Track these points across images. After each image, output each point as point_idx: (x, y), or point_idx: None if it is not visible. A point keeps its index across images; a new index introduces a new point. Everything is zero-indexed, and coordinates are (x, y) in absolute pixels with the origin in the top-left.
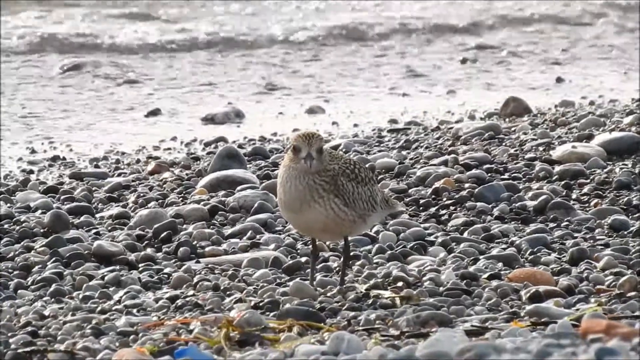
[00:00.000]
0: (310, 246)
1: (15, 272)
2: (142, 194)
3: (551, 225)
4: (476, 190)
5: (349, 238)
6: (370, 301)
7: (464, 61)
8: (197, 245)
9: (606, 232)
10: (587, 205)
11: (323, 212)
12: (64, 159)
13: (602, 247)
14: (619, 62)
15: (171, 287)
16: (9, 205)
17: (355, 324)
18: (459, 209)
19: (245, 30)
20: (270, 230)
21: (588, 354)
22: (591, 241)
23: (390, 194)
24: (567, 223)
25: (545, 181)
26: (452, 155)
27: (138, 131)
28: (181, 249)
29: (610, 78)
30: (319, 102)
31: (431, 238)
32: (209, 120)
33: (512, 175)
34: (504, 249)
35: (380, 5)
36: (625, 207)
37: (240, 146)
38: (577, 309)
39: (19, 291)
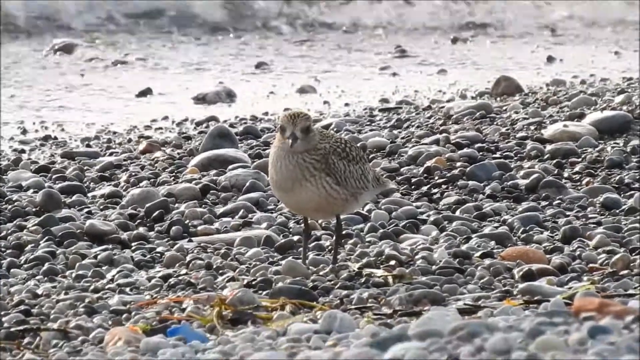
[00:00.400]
0: (303, 225)
1: (8, 251)
2: (133, 173)
3: (543, 203)
4: (468, 169)
5: (341, 216)
6: (362, 280)
7: (454, 40)
8: (190, 224)
9: (598, 210)
10: (579, 183)
11: (315, 191)
12: (56, 138)
13: (595, 225)
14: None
15: (164, 266)
16: (0, 184)
17: (348, 302)
18: (450, 187)
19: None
20: (262, 209)
21: (581, 332)
22: (583, 219)
23: (381, 172)
24: (559, 201)
25: (537, 160)
26: (444, 134)
27: (129, 111)
28: (173, 227)
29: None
30: (310, 82)
31: (423, 217)
32: (200, 100)
33: (504, 154)
34: (497, 227)
35: None
36: (617, 186)
37: (231, 125)
38: (570, 288)
39: (12, 270)
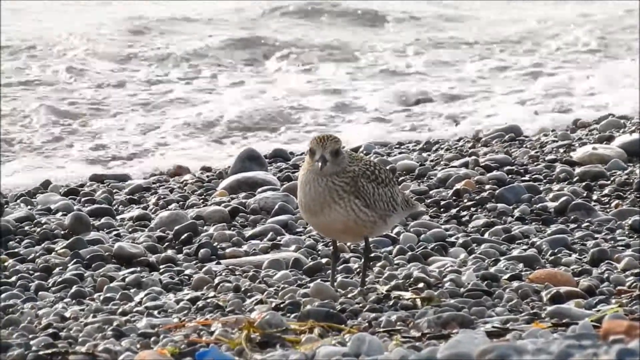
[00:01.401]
0: (331, 247)
1: (36, 274)
2: (162, 196)
3: (572, 226)
4: (497, 191)
5: (370, 239)
6: (391, 302)
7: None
8: (218, 246)
9: (627, 232)
10: (607, 206)
11: (344, 214)
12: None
13: (623, 247)
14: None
15: (192, 289)
16: (29, 207)
17: (376, 325)
18: (479, 210)
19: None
20: (291, 232)
21: (609, 355)
22: (612, 242)
23: (410, 195)
24: (587, 224)
25: (566, 182)
26: (473, 157)
27: None
28: (202, 250)
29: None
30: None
31: (452, 239)
32: None
33: (533, 176)
34: (525, 249)
35: None
36: None
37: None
38: (598, 310)
39: (40, 293)
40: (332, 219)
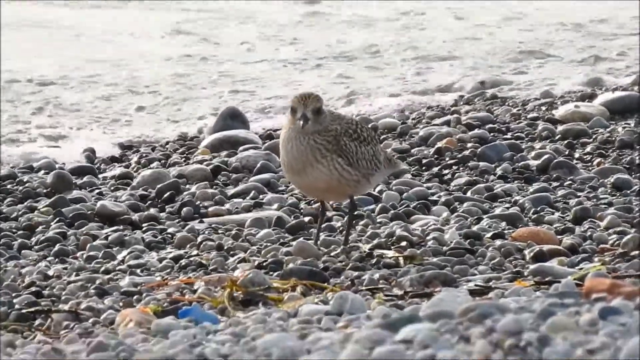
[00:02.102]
0: (319, 204)
1: (19, 232)
2: (144, 154)
3: (554, 184)
4: (479, 149)
5: (353, 197)
6: (373, 261)
7: None
8: (201, 205)
9: (609, 191)
10: (589, 164)
11: (327, 172)
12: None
13: (606, 206)
14: None
15: (175, 247)
16: (11, 165)
17: (359, 283)
18: (461, 168)
19: None
20: (273, 190)
21: (591, 313)
22: (594, 200)
23: (393, 153)
24: (570, 182)
25: (548, 140)
26: (455, 115)
27: None
28: (184, 208)
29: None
30: None
31: (434, 197)
32: None
33: (515, 134)
34: (508, 208)
35: None
36: (628, 166)
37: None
38: (581, 268)
39: (23, 251)
40: (315, 178)
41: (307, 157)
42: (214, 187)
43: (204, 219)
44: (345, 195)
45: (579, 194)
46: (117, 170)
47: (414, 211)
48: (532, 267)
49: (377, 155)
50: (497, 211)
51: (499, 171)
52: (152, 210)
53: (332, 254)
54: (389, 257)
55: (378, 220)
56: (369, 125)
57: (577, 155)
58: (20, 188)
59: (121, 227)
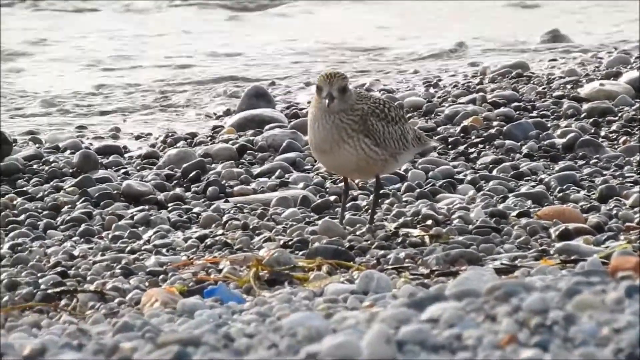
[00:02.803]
0: (342, 184)
1: (45, 212)
2: (170, 134)
3: (580, 162)
4: (505, 128)
5: (380, 176)
6: (399, 240)
7: None
8: (226, 184)
9: (635, 169)
10: (615, 142)
11: (354, 152)
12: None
13: (631, 184)
14: None
15: (200, 227)
16: (37, 145)
17: (385, 262)
18: (487, 147)
19: None
20: (299, 169)
21: (617, 291)
22: (620, 178)
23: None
24: (595, 160)
25: (574, 119)
26: (480, 94)
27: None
28: (210, 188)
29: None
30: None
31: (460, 176)
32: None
33: (541, 113)
34: (533, 186)
35: None
36: None
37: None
38: (607, 247)
39: (49, 231)
40: (342, 158)
41: (333, 137)
42: (240, 166)
43: (230, 199)
44: (373, 174)
45: (604, 172)
46: (143, 149)
47: (439, 190)
48: (557, 245)
49: (405, 135)
50: (523, 190)
51: (524, 149)
52: (178, 190)
53: (357, 232)
54: (415, 236)
55: (404, 199)
56: (395, 104)
57: (602, 133)
58: (46, 168)
59: (147, 206)
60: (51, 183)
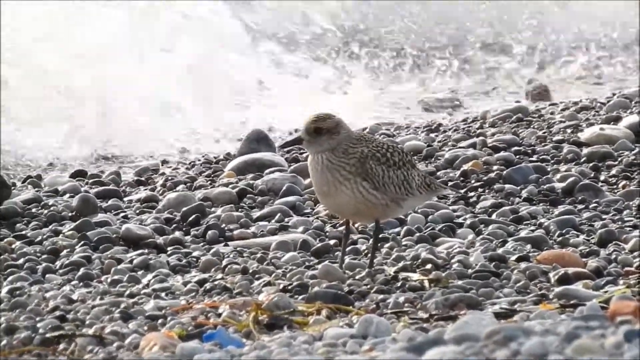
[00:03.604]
0: (343, 227)
1: (44, 256)
2: (170, 177)
3: (579, 207)
4: (504, 172)
5: (381, 221)
6: (399, 284)
7: None
8: (226, 228)
9: (634, 213)
10: (615, 187)
11: (351, 195)
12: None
13: (631, 228)
14: None
15: (200, 271)
16: (36, 189)
17: (384, 306)
18: (487, 191)
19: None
20: (299, 213)
21: (617, 336)
22: (619, 223)
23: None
24: (595, 205)
25: (574, 163)
26: (481, 138)
27: None
28: (209, 232)
29: None
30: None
31: (460, 220)
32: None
33: (541, 157)
34: (533, 230)
35: None
36: None
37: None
38: (606, 291)
39: (47, 275)
40: (341, 201)
41: (328, 179)
42: (240, 210)
43: (229, 242)
44: (374, 218)
45: (604, 216)
46: (143, 193)
47: (439, 234)
48: (557, 289)
49: (409, 180)
50: (523, 234)
51: (524, 194)
52: (177, 234)
53: (357, 277)
54: (414, 280)
55: (403, 242)
56: (401, 148)
57: (602, 177)
58: (45, 212)
59: (146, 250)
60: (50, 227)
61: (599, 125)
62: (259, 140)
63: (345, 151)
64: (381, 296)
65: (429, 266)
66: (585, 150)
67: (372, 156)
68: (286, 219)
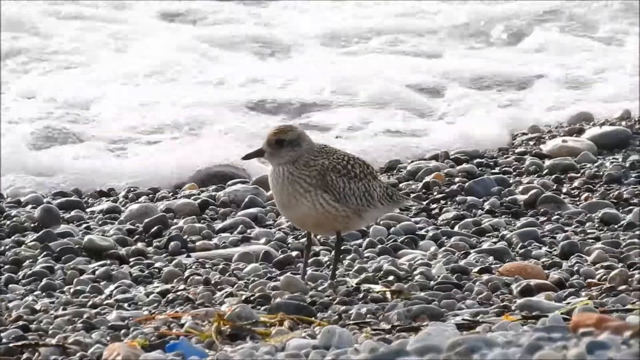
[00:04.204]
0: (305, 239)
1: (6, 267)
2: (132, 189)
3: (542, 219)
4: (467, 184)
5: (342, 233)
6: (361, 295)
7: None
8: (188, 239)
9: (597, 225)
10: (577, 199)
11: (311, 207)
12: None
13: (593, 240)
14: None
15: (162, 282)
16: None
17: (346, 318)
18: (449, 203)
19: None
20: (261, 225)
21: (579, 347)
22: (582, 235)
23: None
24: (557, 217)
25: (536, 175)
26: (443, 150)
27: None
28: (172, 243)
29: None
30: None
31: (422, 232)
32: None
33: (503, 169)
34: (495, 242)
35: None
36: (615, 201)
37: None
38: (568, 303)
39: (10, 285)
40: (302, 212)
41: (288, 190)
42: (202, 221)
43: (192, 254)
44: (335, 230)
45: (566, 228)
46: (105, 204)
47: (401, 245)
48: (519, 301)
49: (371, 192)
50: (485, 246)
51: (486, 206)
52: (140, 245)
53: (319, 288)
54: (377, 292)
55: (365, 254)
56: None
57: (564, 190)
58: (8, 222)
59: (108, 261)
60: (12, 237)
61: (562, 137)
62: None
63: (306, 163)
64: (343, 307)
65: (391, 278)
66: (547, 162)
67: (332, 168)
68: (248, 231)
